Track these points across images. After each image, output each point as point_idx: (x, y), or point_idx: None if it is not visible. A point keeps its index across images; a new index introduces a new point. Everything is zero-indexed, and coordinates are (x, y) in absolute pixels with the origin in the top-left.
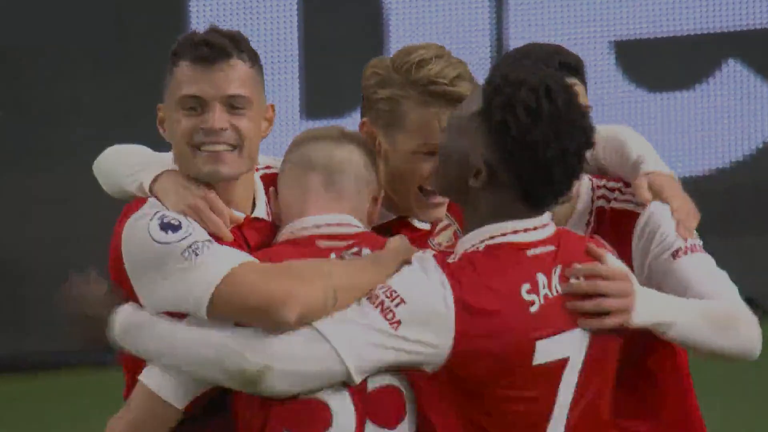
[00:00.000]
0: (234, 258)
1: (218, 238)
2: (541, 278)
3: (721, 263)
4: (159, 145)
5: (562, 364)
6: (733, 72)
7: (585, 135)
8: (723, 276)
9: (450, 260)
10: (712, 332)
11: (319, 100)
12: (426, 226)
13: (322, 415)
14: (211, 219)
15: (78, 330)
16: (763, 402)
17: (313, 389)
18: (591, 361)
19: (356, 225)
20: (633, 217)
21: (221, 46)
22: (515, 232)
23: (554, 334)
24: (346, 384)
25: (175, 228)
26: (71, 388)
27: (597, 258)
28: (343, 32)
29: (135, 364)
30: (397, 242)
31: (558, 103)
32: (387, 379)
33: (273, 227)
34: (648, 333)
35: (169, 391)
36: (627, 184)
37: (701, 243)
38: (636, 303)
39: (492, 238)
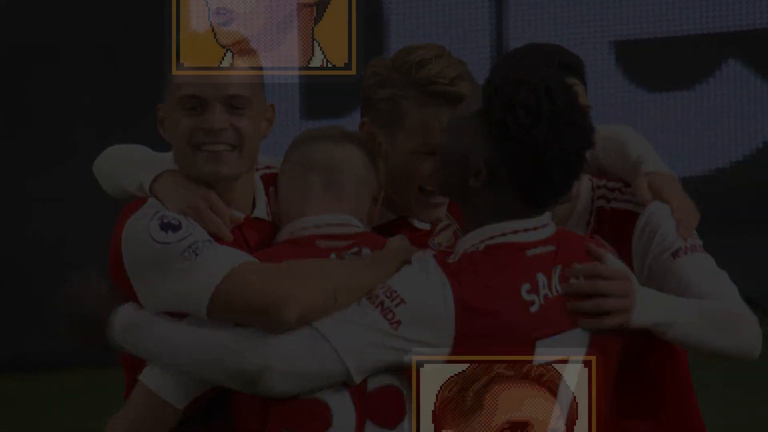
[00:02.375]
0: (234, 258)
1: (218, 238)
2: (541, 278)
3: (721, 263)
4: (159, 145)
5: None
6: (733, 72)
7: (585, 135)
8: (723, 276)
9: (450, 260)
10: (712, 332)
11: (319, 100)
12: (426, 226)
13: (322, 415)
14: (211, 219)
15: (78, 330)
16: (763, 402)
17: (313, 389)
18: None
19: (356, 225)
20: (633, 217)
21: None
22: (515, 232)
23: (554, 334)
24: (346, 384)
25: (175, 228)
26: (71, 388)
27: (597, 258)
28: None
29: (135, 364)
30: (397, 242)
31: (558, 103)
32: (387, 379)
33: (273, 227)
34: (648, 333)
35: (169, 391)
36: (627, 184)
37: (701, 243)
38: (636, 303)
39: (492, 238)
